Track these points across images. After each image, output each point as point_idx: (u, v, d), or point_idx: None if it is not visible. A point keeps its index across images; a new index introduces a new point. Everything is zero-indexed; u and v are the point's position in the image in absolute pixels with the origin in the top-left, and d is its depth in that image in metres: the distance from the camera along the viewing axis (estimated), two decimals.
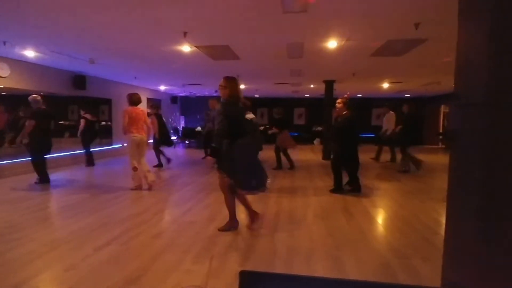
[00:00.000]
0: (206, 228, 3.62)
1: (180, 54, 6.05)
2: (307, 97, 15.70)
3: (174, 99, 14.63)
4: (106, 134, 9.98)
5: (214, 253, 2.95)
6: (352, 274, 2.57)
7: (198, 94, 14.67)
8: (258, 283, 0.49)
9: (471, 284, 1.70)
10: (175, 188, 5.81)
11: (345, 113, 5.19)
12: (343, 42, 5.11)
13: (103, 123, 10.30)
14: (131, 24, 4.37)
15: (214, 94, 15.12)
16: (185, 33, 4.62)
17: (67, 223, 3.77)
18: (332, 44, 5.20)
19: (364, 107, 16.09)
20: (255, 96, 15.44)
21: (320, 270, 2.66)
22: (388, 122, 8.74)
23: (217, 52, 5.92)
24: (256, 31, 4.66)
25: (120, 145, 10.15)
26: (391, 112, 8.82)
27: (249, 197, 3.64)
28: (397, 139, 7.72)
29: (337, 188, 5.32)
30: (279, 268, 2.68)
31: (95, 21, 4.23)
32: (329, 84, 9.72)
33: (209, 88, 12.79)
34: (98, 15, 3.98)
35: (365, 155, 9.62)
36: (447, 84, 10.38)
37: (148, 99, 12.34)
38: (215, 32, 4.76)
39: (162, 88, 12.62)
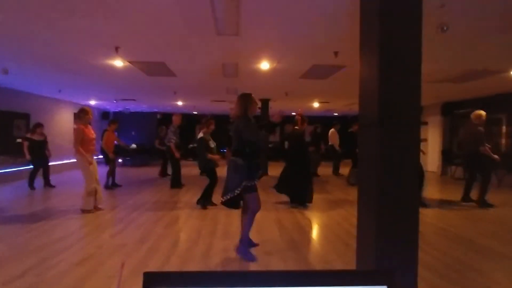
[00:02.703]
0: (137, 250, 3.46)
1: (112, 69, 5.80)
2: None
3: (105, 114, 13.70)
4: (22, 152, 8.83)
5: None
6: None
7: (132, 110, 14.01)
8: (162, 284, 0.56)
9: None
10: (105, 209, 5.41)
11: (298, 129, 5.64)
12: (274, 64, 5.49)
13: (19, 140, 9.12)
14: (56, 34, 4.09)
15: (148, 110, 14.60)
16: (117, 48, 4.49)
17: None
18: (264, 65, 5.54)
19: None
20: (194, 112, 15.35)
21: None
22: (332, 138, 9.70)
23: (152, 68, 5.83)
24: (192, 50, 4.75)
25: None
26: (333, 129, 9.82)
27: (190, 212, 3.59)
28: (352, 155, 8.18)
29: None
30: None
31: (13, 27, 3.86)
32: (265, 102, 10.18)
33: (145, 104, 12.34)
34: (17, 22, 3.66)
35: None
36: None
37: (75, 114, 11.36)
38: (149, 49, 4.72)
39: (92, 102, 11.76)
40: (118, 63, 5.37)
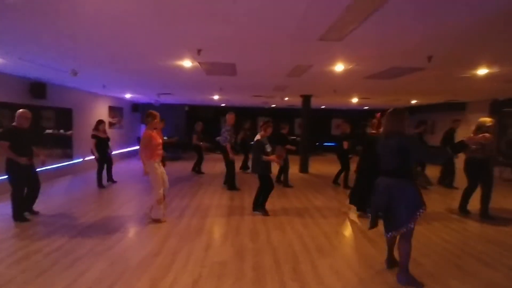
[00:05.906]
0: (241, 270, 3.31)
1: (177, 69, 5.59)
2: (273, 107, 15.85)
3: (135, 107, 13.54)
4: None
5: None
6: None
7: (162, 102, 13.78)
8: None
9: None
10: (174, 214, 5.25)
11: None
12: (350, 66, 5.20)
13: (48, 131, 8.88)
14: (135, 38, 3.86)
15: (177, 102, 14.35)
16: (199, 51, 4.25)
17: (73, 274, 3.13)
18: (338, 67, 5.26)
19: (325, 117, 16.86)
20: (222, 105, 15.11)
21: None
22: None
23: (216, 68, 5.58)
24: (274, 54, 4.49)
25: (81, 159, 9.03)
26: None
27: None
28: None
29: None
30: None
31: (100, 34, 3.65)
32: (307, 98, 9.89)
33: (178, 97, 12.11)
34: (99, 26, 3.45)
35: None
36: (406, 101, 11.36)
37: (110, 108, 11.23)
38: (228, 51, 4.46)
39: (128, 96, 11.58)
40: (187, 63, 5.15)
